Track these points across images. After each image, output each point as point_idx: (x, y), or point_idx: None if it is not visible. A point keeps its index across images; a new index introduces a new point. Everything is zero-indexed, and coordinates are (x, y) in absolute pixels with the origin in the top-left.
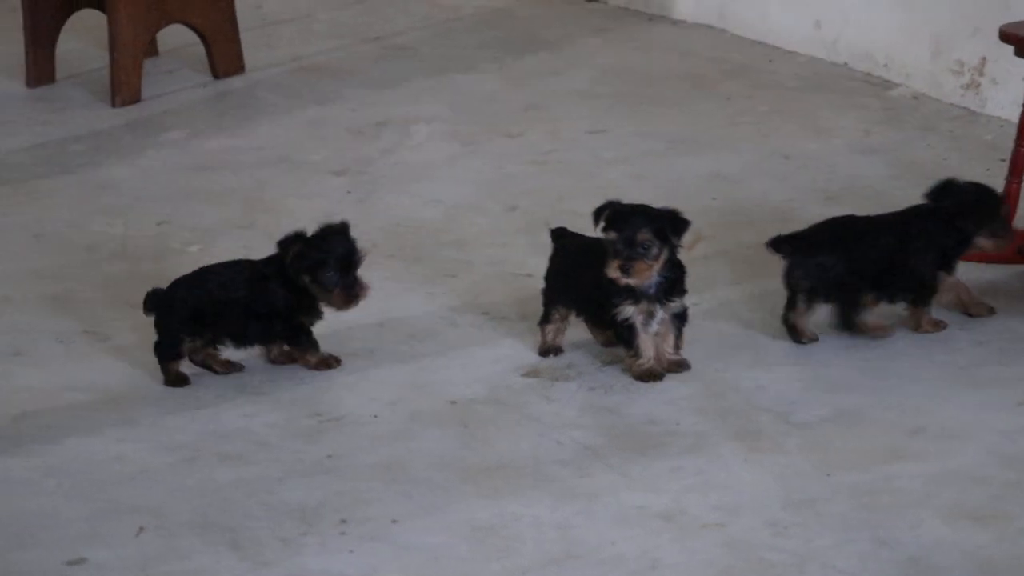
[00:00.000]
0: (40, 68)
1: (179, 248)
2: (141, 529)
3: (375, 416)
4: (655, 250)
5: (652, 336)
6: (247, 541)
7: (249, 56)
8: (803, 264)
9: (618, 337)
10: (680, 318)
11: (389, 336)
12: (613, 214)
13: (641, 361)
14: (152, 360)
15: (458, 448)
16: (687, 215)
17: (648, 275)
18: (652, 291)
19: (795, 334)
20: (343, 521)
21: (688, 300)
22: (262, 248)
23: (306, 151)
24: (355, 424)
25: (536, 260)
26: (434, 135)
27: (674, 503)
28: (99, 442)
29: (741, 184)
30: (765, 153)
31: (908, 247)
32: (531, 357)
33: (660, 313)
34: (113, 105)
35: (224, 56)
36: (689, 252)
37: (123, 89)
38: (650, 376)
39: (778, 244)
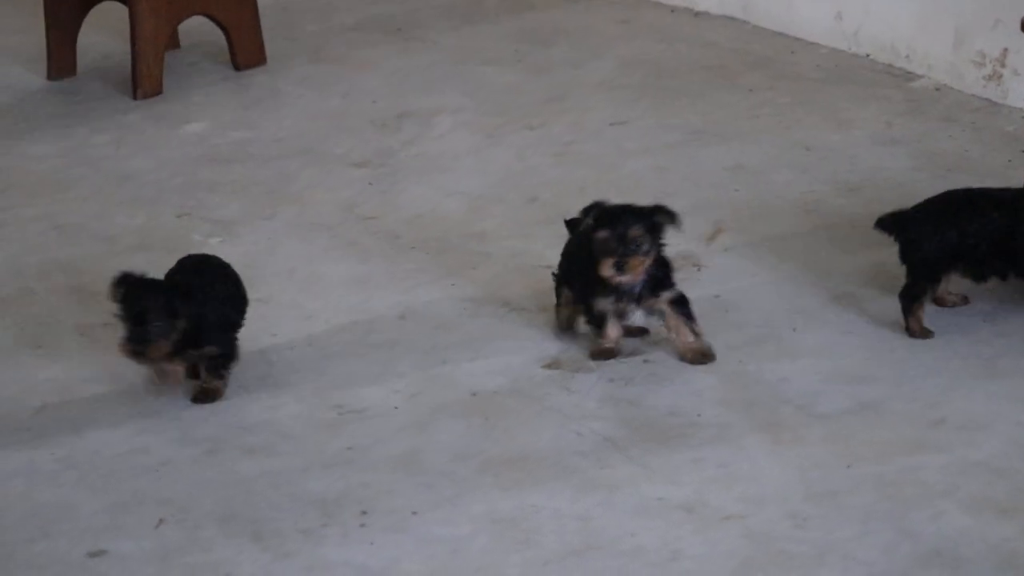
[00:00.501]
0: (62, 60)
1: (200, 240)
2: (161, 521)
3: (396, 408)
4: (646, 246)
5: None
6: (268, 533)
7: (271, 48)
8: (915, 239)
9: (589, 322)
10: (677, 305)
11: (410, 328)
12: (602, 213)
13: (601, 340)
14: None
15: (479, 440)
16: (673, 209)
17: (641, 271)
18: (636, 289)
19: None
20: (364, 513)
21: (710, 291)
22: (285, 239)
23: (328, 143)
24: (376, 416)
25: (557, 252)
26: (456, 127)
27: (695, 495)
28: (120, 434)
29: (763, 175)
30: (787, 144)
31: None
32: (552, 348)
33: (637, 312)
34: (134, 97)
35: (246, 48)
36: (709, 244)
37: (144, 81)
38: (603, 354)
39: (886, 223)
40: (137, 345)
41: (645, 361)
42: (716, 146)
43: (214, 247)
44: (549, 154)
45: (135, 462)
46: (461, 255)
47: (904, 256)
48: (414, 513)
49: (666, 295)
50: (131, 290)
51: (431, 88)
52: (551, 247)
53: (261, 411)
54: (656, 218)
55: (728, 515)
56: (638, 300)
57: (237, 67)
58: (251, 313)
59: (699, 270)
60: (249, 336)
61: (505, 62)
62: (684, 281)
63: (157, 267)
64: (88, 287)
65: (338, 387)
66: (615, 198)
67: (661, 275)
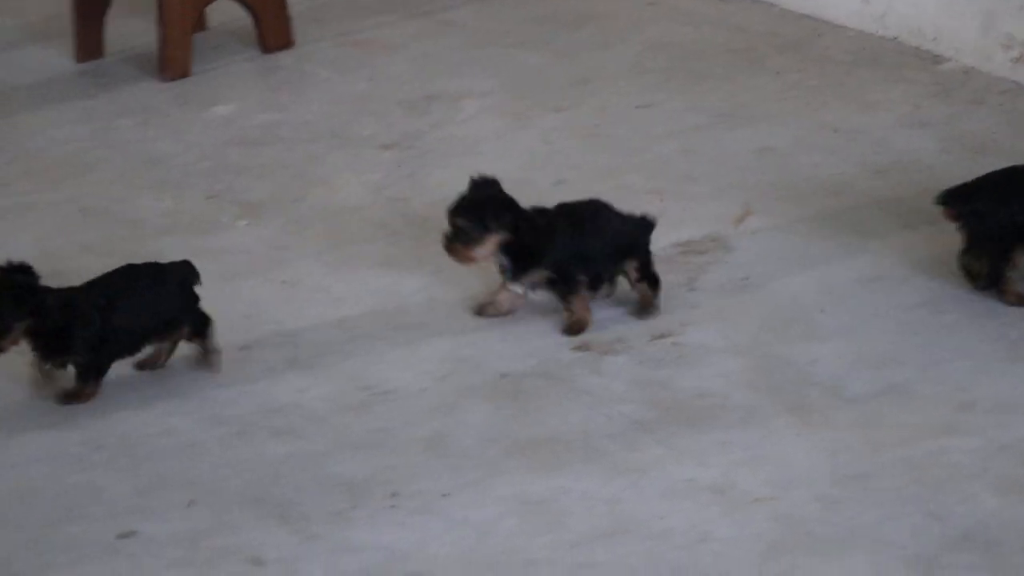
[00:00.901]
0: (89, 43)
1: (228, 223)
2: (191, 502)
3: (424, 390)
4: (474, 234)
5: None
6: (296, 515)
7: (298, 30)
8: (981, 212)
9: None
10: (551, 284)
11: (439, 310)
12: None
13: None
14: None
15: (507, 422)
16: (503, 204)
17: (467, 257)
18: (506, 268)
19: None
20: (392, 495)
21: (738, 274)
22: (314, 221)
23: (356, 125)
24: (405, 398)
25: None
26: (483, 109)
27: (724, 477)
28: (148, 416)
29: (790, 158)
30: (814, 127)
31: None
32: None
33: (515, 287)
34: (162, 80)
35: (273, 30)
36: (737, 226)
37: (172, 64)
38: (478, 313)
39: (951, 198)
40: None
41: (674, 344)
42: (743, 129)
43: (242, 230)
44: (575, 137)
45: (163, 444)
46: None
47: (968, 230)
48: (442, 495)
49: (539, 274)
50: None
51: (458, 71)
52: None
53: (289, 393)
54: (487, 219)
55: (757, 498)
56: (512, 277)
57: (264, 49)
58: (279, 295)
59: (726, 252)
60: (277, 318)
61: (532, 45)
62: (711, 263)
63: (184, 250)
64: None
65: (366, 369)
66: (642, 181)
67: (532, 255)
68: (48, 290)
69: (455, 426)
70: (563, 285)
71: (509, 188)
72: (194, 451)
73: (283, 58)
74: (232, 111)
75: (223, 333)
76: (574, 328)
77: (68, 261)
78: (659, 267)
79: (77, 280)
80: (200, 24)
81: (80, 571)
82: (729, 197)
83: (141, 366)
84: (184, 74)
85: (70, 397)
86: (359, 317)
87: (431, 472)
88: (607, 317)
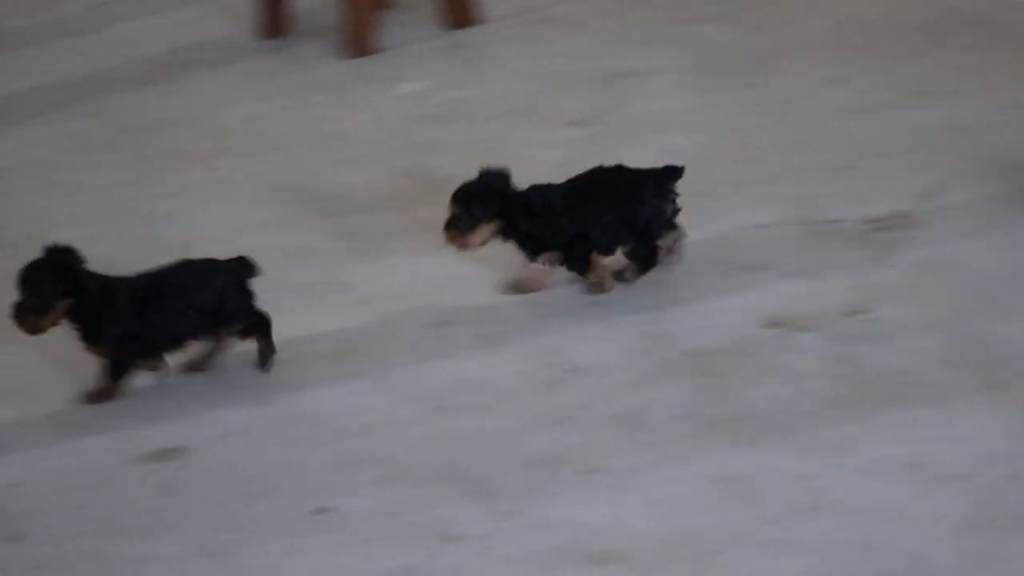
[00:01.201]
0: (274, 20)
1: (415, 199)
2: (386, 479)
3: (616, 366)
4: (467, 222)
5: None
6: (492, 491)
7: (483, 8)
8: None
9: None
10: (566, 263)
11: (630, 286)
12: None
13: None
14: (397, 309)
15: (701, 398)
16: (492, 193)
17: (462, 243)
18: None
19: None
20: (586, 471)
21: (927, 252)
22: None
23: (543, 102)
24: (596, 374)
25: (773, 210)
26: (670, 85)
27: (918, 454)
28: (345, 392)
29: (980, 135)
30: (1004, 104)
31: None
32: (772, 307)
33: (536, 265)
34: (347, 58)
35: (459, 8)
36: (926, 204)
37: (357, 41)
38: (511, 291)
39: None
40: (12, 312)
41: (866, 320)
42: (932, 105)
43: (431, 204)
44: (764, 113)
45: (359, 420)
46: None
47: None
48: (637, 471)
49: (548, 255)
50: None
51: (645, 47)
52: (768, 205)
53: (481, 369)
54: (474, 208)
55: (951, 475)
56: (530, 257)
57: (451, 27)
58: (472, 271)
59: (915, 230)
60: (470, 294)
61: (718, 20)
62: (903, 240)
63: (374, 227)
64: (306, 246)
65: (558, 345)
66: (831, 157)
67: (536, 239)
68: (91, 275)
69: (648, 402)
70: (574, 263)
71: (699, 165)
72: (389, 427)
73: (469, 36)
74: (419, 88)
75: (417, 308)
76: (596, 290)
77: (260, 237)
78: (850, 243)
79: (273, 257)
80: (386, 2)
81: (275, 546)
82: (918, 174)
83: (191, 367)
84: (370, 52)
85: (94, 397)
86: (550, 293)
87: (625, 448)
88: (797, 293)
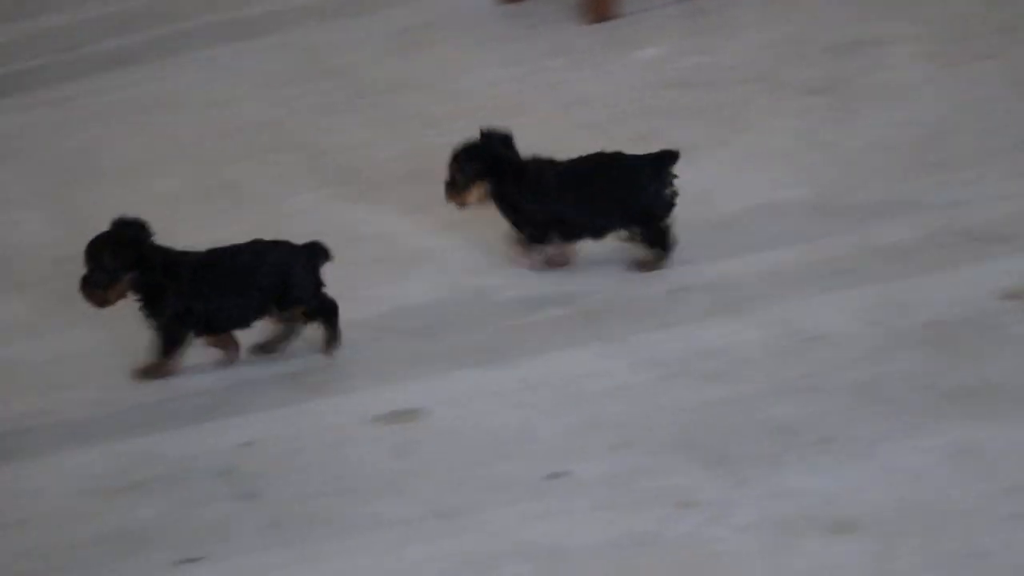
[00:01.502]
0: None
1: None
2: (622, 445)
3: (855, 335)
4: (460, 182)
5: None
6: (727, 458)
7: None
8: None
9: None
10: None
11: (868, 256)
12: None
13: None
14: (634, 274)
15: (939, 369)
16: (480, 155)
17: (457, 201)
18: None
19: None
20: (824, 440)
21: None
22: (742, 166)
23: (782, 69)
24: (835, 343)
25: (1017, 183)
26: (911, 55)
27: None
28: (582, 357)
29: None
30: None
31: None
32: (1010, 279)
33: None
34: (586, 23)
35: None
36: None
37: (596, 6)
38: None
39: None
40: (79, 285)
41: None
42: None
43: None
44: (1005, 84)
45: (595, 385)
46: (916, 184)
47: None
48: (874, 441)
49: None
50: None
51: (885, 14)
52: (1011, 178)
53: (718, 337)
54: (464, 168)
55: None
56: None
57: None
58: (709, 238)
59: None
60: (707, 261)
61: None
62: None
63: None
64: None
65: (796, 314)
66: None
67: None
68: (157, 248)
69: (887, 372)
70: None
71: (938, 136)
72: (626, 393)
73: (708, 1)
74: (658, 54)
75: (655, 275)
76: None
77: None
78: None
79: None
80: None
81: (510, 510)
82: None
83: (260, 348)
84: (609, 17)
85: (146, 372)
86: (789, 263)
87: (863, 418)
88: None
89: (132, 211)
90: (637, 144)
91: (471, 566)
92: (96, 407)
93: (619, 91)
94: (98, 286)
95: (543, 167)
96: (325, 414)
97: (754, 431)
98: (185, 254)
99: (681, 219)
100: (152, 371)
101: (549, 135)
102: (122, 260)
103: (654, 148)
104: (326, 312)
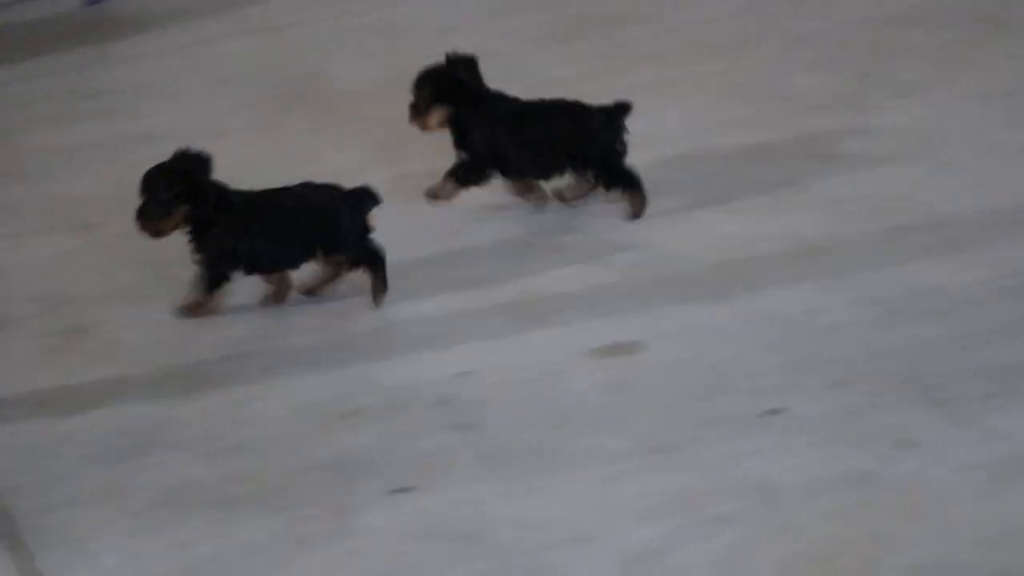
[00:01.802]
0: None
1: (878, 102)
2: (838, 382)
3: None
4: (421, 104)
5: None
6: (947, 398)
7: None
8: None
9: None
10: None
11: None
12: None
13: None
14: (853, 211)
15: None
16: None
17: (420, 124)
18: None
19: None
20: None
21: None
22: (965, 105)
23: (1016, 10)
24: None
25: None
26: None
27: None
28: (798, 292)
29: None
30: None
31: None
32: None
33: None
34: None
35: None
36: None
37: None
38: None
39: None
40: (135, 215)
41: None
42: None
43: (894, 108)
44: None
45: (813, 321)
46: None
47: None
48: None
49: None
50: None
51: None
52: None
53: (941, 276)
54: (423, 90)
55: None
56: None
57: None
58: (930, 178)
59: None
60: (927, 200)
61: None
62: None
63: (832, 129)
64: (768, 146)
65: (1017, 254)
66: None
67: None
68: (212, 184)
69: None
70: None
71: None
72: (845, 330)
73: None
74: None
75: (876, 212)
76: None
77: (715, 137)
78: None
79: (733, 157)
80: None
81: (727, 446)
82: None
83: (308, 291)
84: None
85: (187, 309)
86: (1007, 202)
87: None
88: None
89: (351, 141)
90: (862, 81)
91: (685, 502)
92: (314, 333)
93: (843, 27)
94: (152, 217)
95: (502, 100)
96: (543, 346)
97: (975, 371)
98: (239, 193)
99: (902, 160)
100: (194, 308)
101: (770, 71)
102: (175, 193)
103: (876, 84)
104: (371, 260)
